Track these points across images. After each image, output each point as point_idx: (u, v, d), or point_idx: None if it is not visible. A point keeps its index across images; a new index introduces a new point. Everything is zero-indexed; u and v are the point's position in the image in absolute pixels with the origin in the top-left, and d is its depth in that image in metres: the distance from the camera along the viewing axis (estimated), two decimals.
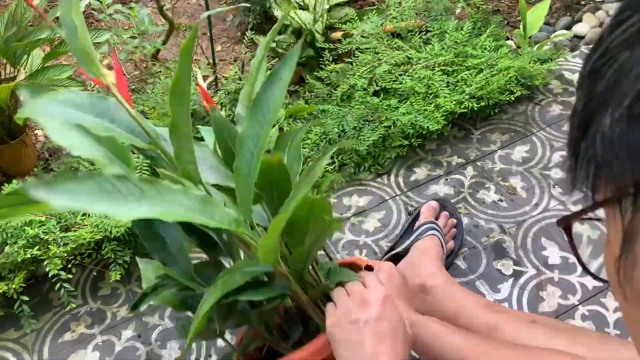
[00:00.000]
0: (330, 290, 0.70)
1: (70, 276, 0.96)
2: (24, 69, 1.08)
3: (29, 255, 0.91)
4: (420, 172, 1.20)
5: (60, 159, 1.28)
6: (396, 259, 0.96)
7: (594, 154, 0.29)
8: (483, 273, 1.01)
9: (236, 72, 1.40)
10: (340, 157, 1.18)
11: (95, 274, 1.04)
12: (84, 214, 0.98)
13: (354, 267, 0.86)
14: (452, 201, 1.13)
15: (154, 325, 0.99)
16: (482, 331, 0.77)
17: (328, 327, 0.63)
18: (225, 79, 1.43)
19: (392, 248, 0.99)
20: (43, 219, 0.94)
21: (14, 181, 1.07)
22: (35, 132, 1.36)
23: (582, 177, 0.30)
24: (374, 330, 0.60)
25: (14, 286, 0.92)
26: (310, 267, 0.73)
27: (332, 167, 1.16)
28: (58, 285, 0.96)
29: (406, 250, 0.96)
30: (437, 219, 1.03)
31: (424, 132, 1.20)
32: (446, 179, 1.18)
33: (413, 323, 0.71)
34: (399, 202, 1.15)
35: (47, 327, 1.00)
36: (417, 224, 1.00)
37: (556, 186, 1.15)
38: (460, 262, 1.03)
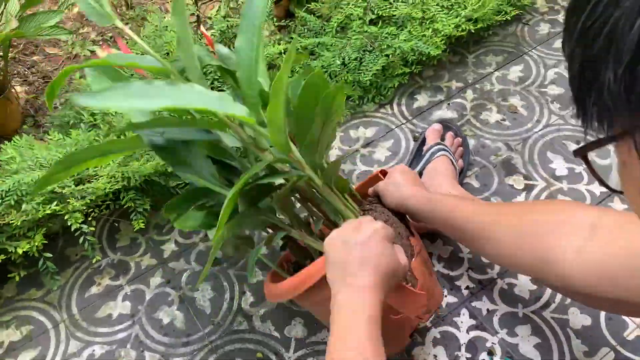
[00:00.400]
0: (344, 181, 0.76)
1: (92, 229, 0.94)
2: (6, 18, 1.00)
3: (48, 211, 0.88)
4: (422, 99, 1.21)
5: (46, 114, 1.23)
6: None
7: (602, 106, 0.32)
8: (496, 190, 1.05)
9: (219, 10, 1.35)
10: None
11: (115, 224, 1.03)
12: (97, 167, 0.95)
13: (374, 181, 0.87)
14: (457, 124, 1.15)
15: (181, 270, 0.99)
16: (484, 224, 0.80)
17: (325, 244, 0.67)
18: (210, 19, 1.39)
19: None
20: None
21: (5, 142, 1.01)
22: (16, 87, 1.29)
23: (594, 123, 0.34)
24: (360, 253, 0.63)
25: (36, 244, 0.90)
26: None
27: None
28: (80, 239, 0.94)
29: (419, 174, 0.97)
30: (442, 140, 1.05)
31: (423, 59, 1.20)
32: (448, 104, 1.20)
33: (430, 199, 0.79)
34: (406, 130, 1.16)
35: (71, 282, 0.99)
36: (425, 147, 1.02)
37: (554, 102, 1.18)
38: (473, 181, 1.06)
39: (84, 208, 0.92)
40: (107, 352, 0.90)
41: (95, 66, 0.71)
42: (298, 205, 0.83)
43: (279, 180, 0.74)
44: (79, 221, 0.91)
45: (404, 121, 1.18)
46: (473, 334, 0.88)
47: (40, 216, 0.88)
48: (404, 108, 1.20)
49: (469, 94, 1.21)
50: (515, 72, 1.24)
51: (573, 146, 1.10)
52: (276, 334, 0.90)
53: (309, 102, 0.70)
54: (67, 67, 0.58)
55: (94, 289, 0.98)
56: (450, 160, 1.00)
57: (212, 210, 0.74)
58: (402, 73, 1.19)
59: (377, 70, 1.16)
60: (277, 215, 0.77)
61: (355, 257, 0.64)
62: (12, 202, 0.88)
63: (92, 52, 1.38)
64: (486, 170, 1.08)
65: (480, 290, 0.93)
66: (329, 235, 0.68)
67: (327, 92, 0.68)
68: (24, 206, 0.88)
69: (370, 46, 1.18)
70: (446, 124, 1.08)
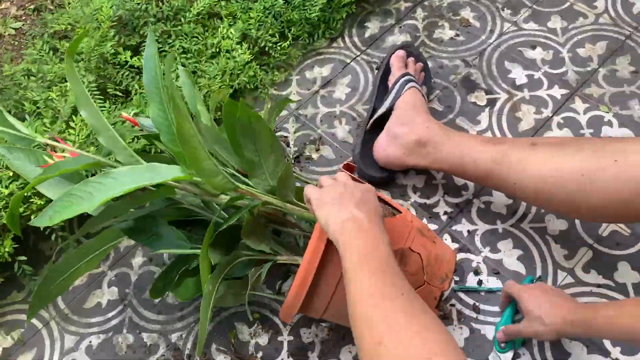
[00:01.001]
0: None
1: (62, 223, 0.91)
2: None
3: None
4: (373, 26, 1.17)
5: None
6: (382, 121, 0.96)
7: None
8: (460, 109, 1.04)
9: None
10: (291, 30, 1.12)
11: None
12: None
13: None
14: (415, 46, 1.12)
15: None
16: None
17: (314, 199, 0.66)
18: None
19: (373, 111, 0.99)
20: (10, 173, 0.87)
21: None
22: None
23: None
24: (352, 194, 0.65)
25: (6, 250, 0.87)
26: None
27: (286, 43, 1.11)
28: (51, 235, 0.91)
29: (390, 110, 0.95)
30: (406, 67, 1.02)
31: None
32: (400, 27, 1.16)
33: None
34: (362, 63, 1.13)
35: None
36: (392, 79, 0.99)
37: (505, 8, 1.16)
38: (436, 105, 1.06)
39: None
40: (104, 340, 0.90)
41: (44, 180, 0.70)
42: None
43: (237, 218, 0.73)
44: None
45: (358, 53, 1.14)
46: (458, 257, 0.90)
47: (5, 221, 0.85)
48: (356, 39, 1.16)
49: (419, 12, 1.18)
50: None
51: (529, 52, 1.09)
52: (270, 292, 0.91)
53: (236, 132, 0.71)
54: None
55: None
56: (420, 91, 0.97)
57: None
58: (349, 2, 1.14)
59: (323, 3, 1.10)
60: (256, 250, 0.76)
61: (348, 197, 0.65)
62: None
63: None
64: (447, 92, 1.07)
65: (458, 214, 0.94)
66: (313, 192, 0.67)
67: (240, 115, 0.68)
68: None
69: None
70: (407, 49, 1.04)
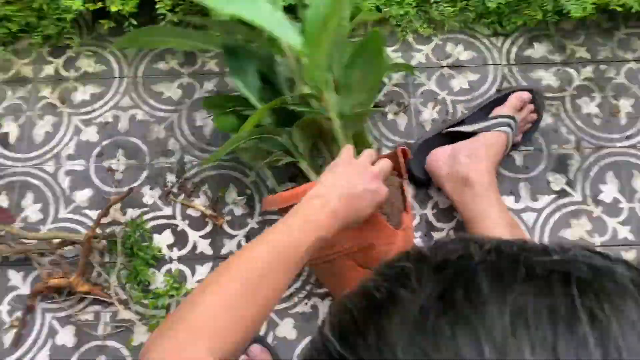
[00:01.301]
0: (364, 139, 0.84)
1: (174, 19, 1.04)
2: None
3: None
4: (538, 50, 1.12)
5: None
6: (457, 134, 0.98)
7: None
8: (532, 177, 1.03)
9: None
10: (464, 1, 1.10)
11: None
12: None
13: (392, 157, 0.92)
14: (550, 95, 1.08)
15: (232, 90, 1.10)
16: None
17: (339, 160, 0.74)
18: None
19: (459, 122, 1.00)
20: None
21: None
22: None
23: None
24: (355, 186, 0.71)
25: (127, 8, 1.02)
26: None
27: (452, 8, 1.10)
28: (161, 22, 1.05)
29: (471, 134, 0.97)
30: (520, 109, 1.00)
31: (564, 12, 1.08)
32: (558, 69, 1.11)
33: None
34: (499, 73, 1.11)
35: (146, 50, 1.13)
36: (498, 111, 0.99)
37: None
38: (518, 157, 1.05)
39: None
40: (145, 121, 1.08)
41: None
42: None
43: (303, 109, 0.82)
44: (167, 8, 1.01)
45: (505, 62, 1.11)
46: None
47: None
48: (514, 49, 1.12)
49: (587, 70, 1.11)
50: None
51: (639, 182, 1.03)
52: (272, 179, 1.02)
53: (359, 59, 0.75)
54: None
55: (162, 65, 1.12)
56: (508, 139, 0.96)
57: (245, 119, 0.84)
58: (534, 17, 1.09)
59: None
60: (294, 143, 0.84)
61: (357, 175, 0.71)
62: None
63: None
64: (537, 155, 1.05)
65: None
66: (343, 151, 0.76)
67: (373, 47, 0.72)
68: None
69: None
70: (535, 95, 1.01)
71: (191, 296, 0.57)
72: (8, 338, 0.94)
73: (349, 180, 0.71)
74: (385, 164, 0.77)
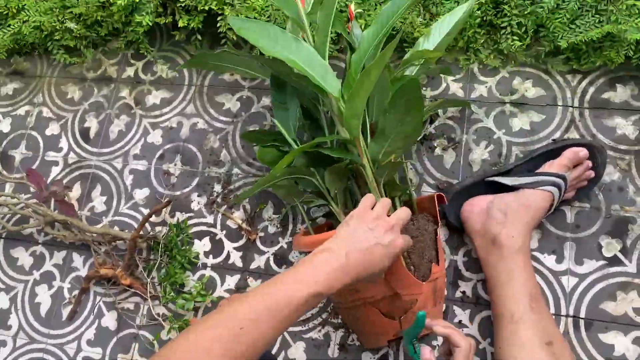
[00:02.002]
0: (396, 186, 0.85)
1: (234, 37, 1.08)
2: None
3: (207, 7, 1.03)
4: (619, 94, 1.00)
5: None
6: (497, 185, 0.92)
7: None
8: (581, 238, 0.95)
9: None
10: (537, 34, 1.01)
11: None
12: None
13: (426, 201, 0.89)
14: (625, 149, 0.97)
15: None
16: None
17: (357, 210, 0.74)
18: None
19: (506, 172, 0.94)
20: None
21: None
22: None
23: None
24: (367, 239, 0.70)
25: (193, 24, 1.08)
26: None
27: (519, 42, 1.01)
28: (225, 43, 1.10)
29: (512, 188, 0.91)
30: (574, 166, 0.92)
31: None
32: (639, 119, 0.99)
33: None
34: (567, 116, 1.01)
35: None
36: (547, 167, 0.91)
37: None
38: (570, 214, 0.96)
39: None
40: (204, 130, 1.14)
41: None
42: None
43: (335, 154, 0.83)
44: (227, 27, 1.06)
45: (577, 105, 1.01)
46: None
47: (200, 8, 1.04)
48: (590, 90, 1.01)
49: None
50: None
51: None
52: (307, 216, 1.05)
53: (396, 107, 0.74)
54: None
55: (226, 76, 1.18)
56: (553, 200, 0.89)
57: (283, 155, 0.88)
58: (616, 57, 0.97)
59: (591, 38, 0.95)
60: (325, 186, 0.85)
61: (367, 234, 0.71)
62: None
63: None
64: (594, 214, 0.95)
65: (469, 305, 0.96)
66: (365, 199, 0.76)
67: (410, 98, 0.71)
68: None
69: (601, 3, 0.95)
70: (595, 152, 0.92)
71: (178, 336, 0.63)
72: (65, 312, 1.08)
73: (360, 235, 0.70)
74: (403, 213, 0.75)
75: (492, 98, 1.05)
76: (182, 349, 0.61)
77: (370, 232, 0.71)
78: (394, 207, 0.87)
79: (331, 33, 0.83)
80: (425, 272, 0.84)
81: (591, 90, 1.02)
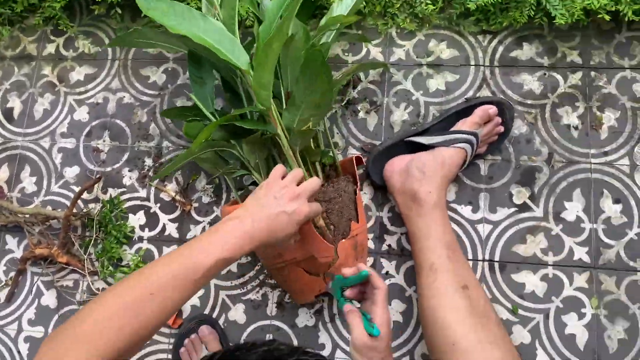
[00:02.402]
0: (313, 151, 0.88)
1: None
2: None
3: None
4: (526, 52, 1.07)
5: None
6: (415, 145, 0.98)
7: None
8: (494, 188, 1.02)
9: None
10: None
11: None
12: None
13: (347, 163, 0.94)
14: (531, 103, 1.04)
15: None
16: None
17: (269, 179, 0.78)
18: None
19: (423, 131, 0.99)
20: None
21: None
22: None
23: None
24: (277, 204, 0.75)
25: None
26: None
27: (432, 6, 1.06)
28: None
29: (428, 146, 0.96)
30: (486, 122, 0.98)
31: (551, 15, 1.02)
32: (544, 74, 1.06)
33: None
34: (479, 75, 1.07)
35: None
36: (461, 124, 0.97)
37: None
38: (483, 167, 1.03)
39: None
40: (130, 104, 1.15)
41: None
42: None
43: (251, 126, 0.86)
44: None
45: (488, 64, 1.08)
46: None
47: None
48: (500, 48, 1.08)
49: (576, 76, 1.05)
50: None
51: (608, 202, 1.00)
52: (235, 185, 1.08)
53: (303, 77, 0.77)
54: None
55: (151, 49, 1.17)
56: (466, 157, 0.96)
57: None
58: (518, 20, 1.03)
59: (497, 0, 1.01)
60: (245, 156, 0.88)
61: (273, 200, 0.75)
62: None
63: None
64: (504, 165, 1.03)
65: (395, 256, 1.02)
66: (275, 169, 0.79)
67: (316, 69, 0.74)
68: None
69: None
70: (503, 108, 0.98)
71: (87, 304, 0.65)
72: (2, 294, 1.09)
73: (265, 203, 0.75)
74: (310, 183, 0.79)
75: (410, 61, 1.10)
76: (93, 315, 0.62)
77: (275, 200, 0.75)
78: (314, 172, 0.92)
79: (241, 7, 0.84)
80: (345, 229, 0.89)
81: (500, 49, 1.08)
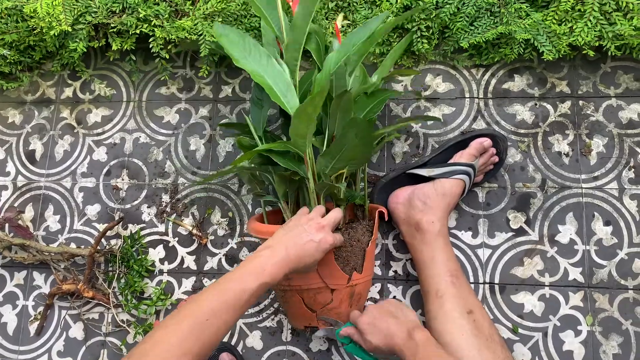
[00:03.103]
0: (341, 201, 0.95)
1: (167, 56, 1.15)
2: None
3: (138, 31, 1.09)
4: (517, 83, 1.14)
5: None
6: (417, 176, 1.05)
7: None
8: (492, 214, 1.09)
9: None
10: (443, 35, 1.13)
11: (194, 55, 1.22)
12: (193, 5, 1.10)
13: (375, 210, 1.00)
14: (524, 132, 1.11)
15: (224, 115, 1.21)
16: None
17: (291, 218, 0.88)
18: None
19: (424, 164, 1.06)
20: None
21: None
22: None
23: None
24: (306, 232, 0.84)
25: (126, 46, 1.13)
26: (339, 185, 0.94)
27: (427, 45, 1.13)
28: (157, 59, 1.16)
29: (429, 178, 1.03)
30: (481, 154, 1.05)
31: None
32: (535, 104, 1.13)
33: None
34: (474, 106, 1.14)
35: (151, 75, 1.25)
36: (457, 157, 1.03)
37: (632, 169, 1.08)
38: (481, 194, 1.10)
39: (167, 37, 1.11)
40: (146, 143, 1.21)
41: None
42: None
43: (283, 163, 0.92)
44: (160, 47, 1.12)
45: (482, 96, 1.14)
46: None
47: (131, 32, 1.10)
48: (493, 81, 1.15)
49: (565, 105, 1.12)
50: (634, 110, 1.10)
51: (599, 225, 1.06)
52: (256, 209, 1.15)
53: (349, 132, 0.84)
54: None
55: (163, 90, 1.24)
56: (465, 187, 1.03)
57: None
58: (510, 53, 1.10)
59: (488, 38, 1.08)
60: (275, 185, 0.96)
61: (302, 231, 0.83)
62: (117, 10, 1.09)
63: None
64: (501, 193, 1.10)
65: (401, 282, 1.09)
66: (299, 211, 0.88)
67: (357, 129, 0.83)
68: (124, 17, 1.09)
69: (496, 8, 1.07)
70: (497, 139, 1.05)
71: (146, 336, 0.72)
72: (32, 328, 1.15)
73: (295, 234, 0.84)
74: (334, 215, 0.88)
75: (408, 95, 1.16)
76: (156, 344, 0.70)
77: (304, 231, 0.84)
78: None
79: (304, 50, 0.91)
80: (347, 274, 0.95)
81: (493, 81, 1.15)
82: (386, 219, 1.01)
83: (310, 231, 0.84)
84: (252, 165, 0.97)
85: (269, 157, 0.95)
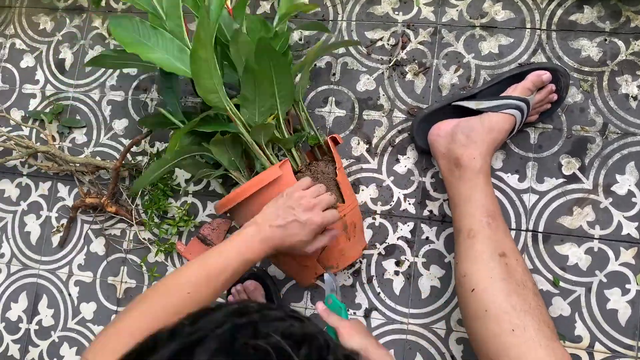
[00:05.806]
0: (288, 143, 0.88)
1: None
2: None
3: None
4: (586, 15, 1.02)
5: None
6: (463, 109, 0.96)
7: None
8: (543, 158, 1.00)
9: None
10: None
11: None
12: None
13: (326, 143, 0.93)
14: (588, 70, 1.00)
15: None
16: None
17: (286, 192, 0.81)
18: None
19: (472, 96, 0.97)
20: None
21: None
22: None
23: None
24: (290, 214, 0.78)
25: None
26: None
27: None
28: None
29: (476, 111, 0.94)
30: (539, 89, 0.95)
31: None
32: (604, 40, 1.01)
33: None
34: (535, 38, 1.03)
35: None
36: (512, 90, 0.94)
37: None
38: (533, 135, 1.01)
39: None
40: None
41: None
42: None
43: (211, 129, 0.88)
44: None
45: (544, 27, 1.03)
46: (382, 252, 1.02)
47: None
48: (559, 11, 1.03)
49: (639, 44, 1.00)
50: None
51: None
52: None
53: (250, 72, 0.78)
54: None
55: None
56: (515, 124, 0.93)
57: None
58: None
59: None
60: (216, 157, 0.89)
61: (281, 210, 0.78)
62: None
63: None
64: (555, 135, 1.00)
65: (435, 222, 1.02)
66: (296, 184, 0.82)
67: (264, 60, 0.76)
68: None
69: None
70: (558, 75, 0.94)
71: (128, 306, 0.70)
72: (55, 240, 1.14)
73: (281, 212, 0.78)
74: (326, 197, 0.81)
75: (463, 21, 1.06)
76: (137, 316, 0.68)
77: (290, 210, 0.78)
78: (292, 158, 0.91)
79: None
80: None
81: (559, 12, 1.03)
82: (340, 142, 0.94)
83: (297, 210, 0.78)
84: (184, 149, 0.89)
85: (200, 135, 0.90)
